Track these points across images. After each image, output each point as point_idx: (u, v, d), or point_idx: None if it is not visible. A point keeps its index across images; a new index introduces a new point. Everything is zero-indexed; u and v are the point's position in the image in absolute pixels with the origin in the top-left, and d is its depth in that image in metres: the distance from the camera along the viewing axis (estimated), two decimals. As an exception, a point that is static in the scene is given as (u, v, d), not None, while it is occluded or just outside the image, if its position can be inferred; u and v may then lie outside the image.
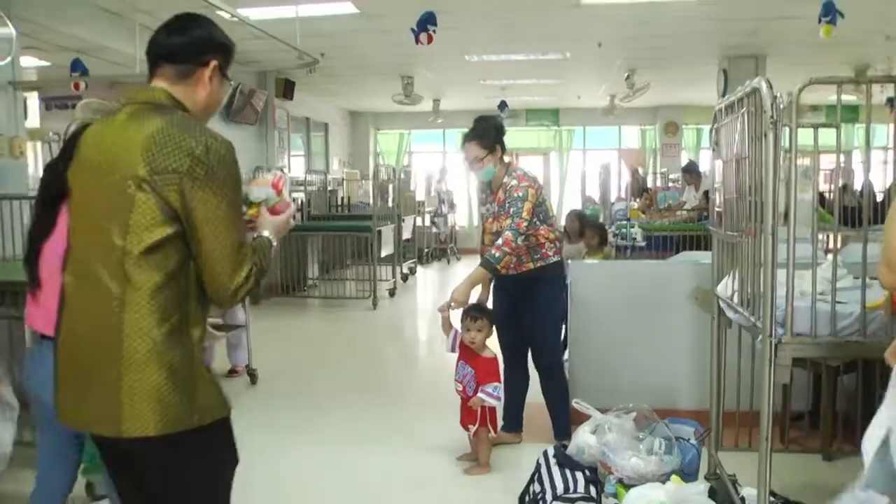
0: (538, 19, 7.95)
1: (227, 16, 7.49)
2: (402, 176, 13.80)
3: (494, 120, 4.21)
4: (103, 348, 1.74)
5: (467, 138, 4.12)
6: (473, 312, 3.96)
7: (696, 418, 4.05)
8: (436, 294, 11.53)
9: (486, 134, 4.07)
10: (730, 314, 3.02)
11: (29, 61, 8.63)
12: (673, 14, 7.74)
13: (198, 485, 1.88)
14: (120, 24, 7.69)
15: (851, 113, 9.33)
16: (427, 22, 6.63)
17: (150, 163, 1.71)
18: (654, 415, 3.32)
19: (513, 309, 4.23)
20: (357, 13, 7.56)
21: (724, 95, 10.25)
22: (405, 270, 12.06)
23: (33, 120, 10.99)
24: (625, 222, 6.75)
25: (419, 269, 13.22)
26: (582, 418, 3.54)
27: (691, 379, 4.49)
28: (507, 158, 4.21)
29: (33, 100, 11.05)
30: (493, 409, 3.97)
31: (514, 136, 16.91)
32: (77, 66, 7.76)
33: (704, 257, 5.08)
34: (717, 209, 3.15)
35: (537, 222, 4.03)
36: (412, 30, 6.69)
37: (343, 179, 15.12)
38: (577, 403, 3.48)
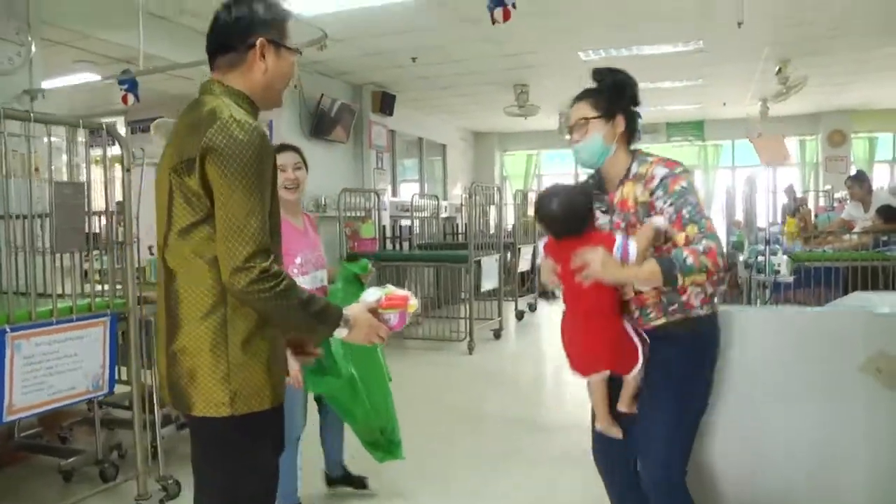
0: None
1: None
2: (521, 199, 12.41)
3: (623, 75, 2.51)
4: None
5: (578, 98, 2.52)
6: None
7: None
8: (554, 336, 9.80)
9: (605, 91, 2.48)
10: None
11: (85, 77, 7.89)
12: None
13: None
14: (166, 28, 6.82)
15: None
16: (504, -8, 5.19)
17: (179, 152, 1.79)
18: None
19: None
20: (426, -4, 6.28)
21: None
22: (522, 307, 10.54)
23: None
24: (762, 247, 4.78)
25: (541, 304, 11.61)
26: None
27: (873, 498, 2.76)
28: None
29: (120, 125, 10.57)
30: None
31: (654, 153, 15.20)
32: (126, 79, 6.83)
33: (886, 302, 3.36)
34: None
35: None
36: (487, 6, 5.27)
37: (462, 206, 13.87)
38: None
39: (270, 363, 1.86)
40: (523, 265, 11.17)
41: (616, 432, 2.59)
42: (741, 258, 5.11)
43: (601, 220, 2.54)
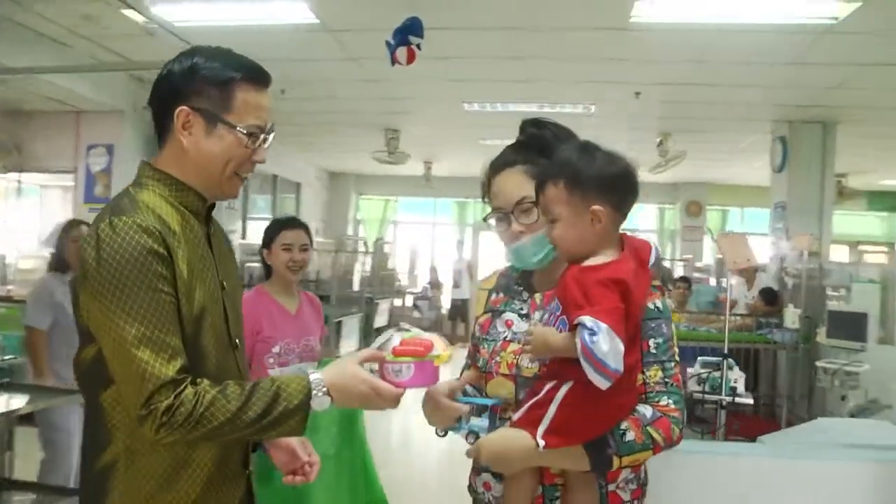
0: (570, 48, 5.93)
1: (139, 19, 5.61)
2: (375, 250, 11.71)
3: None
4: None
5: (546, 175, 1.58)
6: None
7: None
8: (419, 400, 9.03)
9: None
10: None
11: None
12: (732, 57, 5.87)
13: None
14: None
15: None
16: (410, 31, 4.48)
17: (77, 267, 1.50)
18: None
19: None
20: (317, 24, 5.48)
21: (781, 169, 8.28)
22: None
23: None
24: (717, 359, 4.21)
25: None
26: None
27: None
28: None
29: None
30: None
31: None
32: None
33: (867, 436, 2.90)
34: None
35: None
36: (387, 43, 4.54)
37: (317, 251, 12.97)
38: None
39: None
40: (380, 321, 10.47)
41: None
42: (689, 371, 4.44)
43: (516, 326, 1.74)
